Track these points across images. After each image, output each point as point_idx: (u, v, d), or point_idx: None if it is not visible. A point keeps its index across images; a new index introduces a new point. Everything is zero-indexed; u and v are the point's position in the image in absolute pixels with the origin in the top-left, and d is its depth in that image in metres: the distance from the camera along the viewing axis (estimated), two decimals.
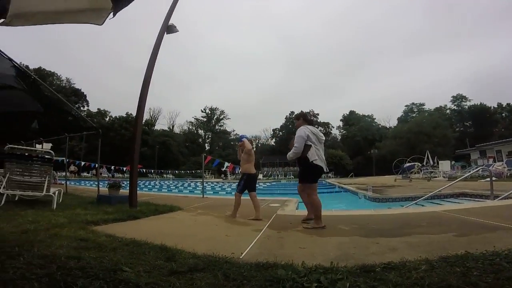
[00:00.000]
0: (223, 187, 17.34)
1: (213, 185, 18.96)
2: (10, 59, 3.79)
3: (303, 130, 3.52)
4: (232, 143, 72.87)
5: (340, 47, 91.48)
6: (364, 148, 55.33)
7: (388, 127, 63.26)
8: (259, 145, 75.55)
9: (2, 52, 3.67)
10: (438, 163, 20.15)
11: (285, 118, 68.02)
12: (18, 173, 4.51)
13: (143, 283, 1.42)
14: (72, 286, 1.29)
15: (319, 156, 3.43)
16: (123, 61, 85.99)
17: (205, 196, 8.08)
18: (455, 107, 57.22)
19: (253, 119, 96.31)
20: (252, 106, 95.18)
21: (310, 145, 3.41)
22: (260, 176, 33.92)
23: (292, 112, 67.71)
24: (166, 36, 5.48)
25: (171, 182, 26.36)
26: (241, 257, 2.19)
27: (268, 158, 58.20)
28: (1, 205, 4.01)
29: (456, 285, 1.42)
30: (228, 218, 4.16)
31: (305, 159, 3.41)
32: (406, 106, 61.59)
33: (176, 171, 40.03)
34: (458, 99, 56.67)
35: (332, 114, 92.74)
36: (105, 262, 1.67)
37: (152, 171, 34.90)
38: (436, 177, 17.13)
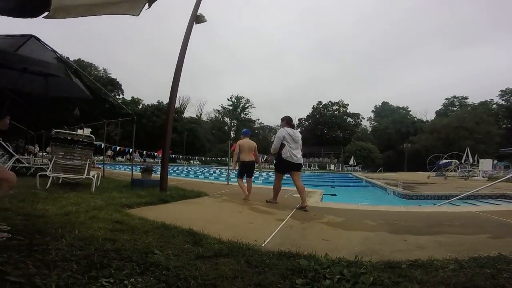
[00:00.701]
0: None
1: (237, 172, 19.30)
2: (54, 51, 4.07)
3: (281, 132, 4.44)
4: (256, 131, 73.17)
5: (375, 34, 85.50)
6: (396, 141, 52.40)
7: (424, 120, 58.87)
8: None
9: (46, 44, 3.95)
10: (478, 162, 18.55)
11: (312, 108, 66.30)
12: (62, 156, 4.89)
13: (172, 266, 1.50)
14: (107, 268, 1.40)
15: (290, 153, 4.31)
16: (156, 51, 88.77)
17: (229, 183, 8.29)
18: (503, 102, 51.21)
19: (278, 108, 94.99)
20: (277, 94, 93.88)
21: (285, 144, 4.33)
22: None
23: (320, 102, 65.78)
24: (195, 26, 5.56)
25: (197, 168, 27.34)
26: (263, 245, 2.24)
27: None
28: (47, 187, 4.35)
29: (483, 286, 1.38)
30: (252, 206, 4.27)
31: (279, 155, 4.40)
32: (446, 99, 56.57)
33: (203, 158, 41.36)
34: (508, 93, 50.70)
35: (363, 105, 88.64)
36: (138, 245, 1.79)
37: (181, 156, 36.41)
38: (474, 176, 15.83)
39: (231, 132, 70.11)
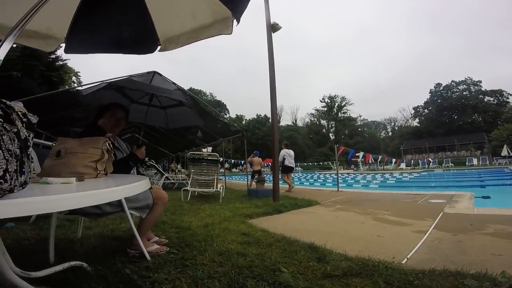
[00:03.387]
0: (356, 179, 16.05)
1: (344, 176, 17.94)
2: (174, 83, 4.96)
3: (282, 152, 7.92)
4: (359, 129, 66.88)
5: None
6: None
7: None
8: (396, 128, 65.13)
9: (167, 78, 4.85)
10: None
11: (430, 92, 54.83)
12: (195, 172, 5.87)
13: (301, 287, 1.41)
14: (243, 287, 1.42)
15: (289, 162, 8.02)
16: (246, 66, 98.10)
17: (340, 189, 7.75)
18: None
19: (384, 99, 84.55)
20: (382, 84, 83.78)
21: (285, 158, 7.94)
22: (402, 165, 28.95)
23: (439, 84, 53.84)
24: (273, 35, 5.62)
25: (300, 174, 27.39)
26: (403, 262, 1.88)
27: (410, 143, 48.52)
28: (188, 199, 5.32)
29: None
30: (375, 216, 3.73)
31: (283, 163, 7.87)
32: None
33: (305, 164, 41.36)
34: None
35: (503, 79, 65.23)
36: (265, 261, 1.79)
37: None
38: None
39: (330, 134, 67.01)
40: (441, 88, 53.84)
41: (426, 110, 55.90)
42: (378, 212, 3.99)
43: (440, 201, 4.64)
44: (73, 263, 1.41)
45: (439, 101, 53.08)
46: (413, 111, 59.30)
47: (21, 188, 0.66)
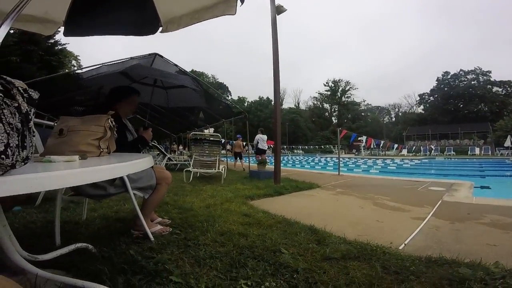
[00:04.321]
0: (357, 163, 16.11)
1: (345, 161, 18.00)
2: (176, 65, 4.84)
3: (257, 137, 9.32)
4: (363, 114, 66.30)
5: None
6: None
7: None
8: (400, 114, 64.46)
9: (169, 60, 4.73)
10: None
11: (437, 80, 53.78)
12: (198, 153, 5.88)
13: (300, 268, 1.45)
14: (244, 267, 1.46)
15: (262, 145, 9.19)
16: (247, 48, 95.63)
17: (341, 173, 7.80)
18: None
19: (390, 85, 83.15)
20: (388, 71, 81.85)
21: (258, 142, 9.21)
22: (404, 152, 28.90)
23: (447, 72, 52.58)
24: (279, 17, 5.50)
25: (301, 157, 27.49)
26: (400, 247, 1.92)
27: (414, 130, 48.16)
28: (190, 180, 5.37)
29: None
30: (375, 201, 3.76)
31: (257, 146, 9.25)
32: None
33: (306, 147, 41.43)
34: None
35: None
36: (266, 242, 1.83)
37: (284, 147, 37.89)
38: None
39: (333, 118, 66.45)
40: (448, 76, 52.73)
41: (431, 98, 55.03)
42: (378, 197, 4.02)
43: (439, 189, 4.67)
44: (78, 245, 1.43)
45: (445, 89, 52.11)
46: (418, 98, 58.46)
47: (23, 163, 0.64)
